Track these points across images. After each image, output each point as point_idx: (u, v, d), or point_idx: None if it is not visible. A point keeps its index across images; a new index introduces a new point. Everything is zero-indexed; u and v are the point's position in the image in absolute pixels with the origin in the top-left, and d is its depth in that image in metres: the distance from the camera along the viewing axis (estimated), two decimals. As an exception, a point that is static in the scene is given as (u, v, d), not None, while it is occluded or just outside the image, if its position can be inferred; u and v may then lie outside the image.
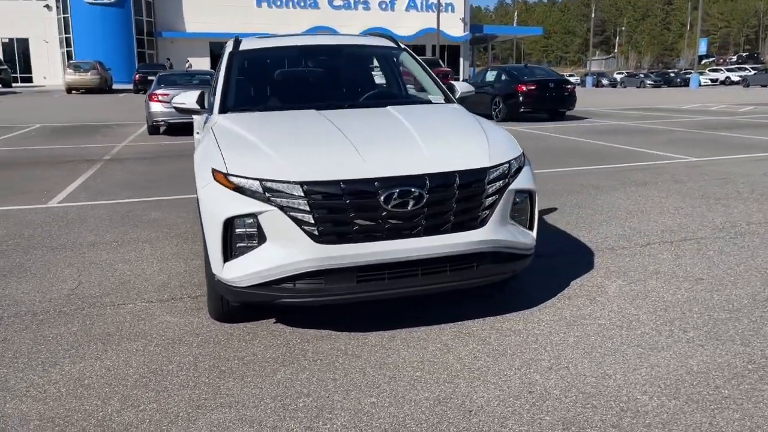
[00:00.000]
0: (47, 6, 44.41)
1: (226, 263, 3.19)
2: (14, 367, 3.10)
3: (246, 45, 4.93)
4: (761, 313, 3.63)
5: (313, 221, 3.08)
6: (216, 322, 3.63)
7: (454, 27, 50.79)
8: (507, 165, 3.46)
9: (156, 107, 14.16)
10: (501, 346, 3.29)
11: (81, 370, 3.07)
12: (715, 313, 3.64)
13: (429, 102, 4.67)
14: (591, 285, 4.15)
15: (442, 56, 45.53)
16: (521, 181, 3.51)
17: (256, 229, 3.13)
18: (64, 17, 43.46)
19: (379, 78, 5.27)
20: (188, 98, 4.49)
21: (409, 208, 3.14)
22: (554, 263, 4.58)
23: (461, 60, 52.22)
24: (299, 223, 3.08)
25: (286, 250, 3.11)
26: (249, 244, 3.16)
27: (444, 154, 3.36)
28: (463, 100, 4.74)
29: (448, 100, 4.61)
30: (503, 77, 17.84)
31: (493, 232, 3.36)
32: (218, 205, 3.17)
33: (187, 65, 40.52)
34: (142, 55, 44.61)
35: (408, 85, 5.49)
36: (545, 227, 5.56)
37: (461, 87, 4.78)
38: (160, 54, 45.99)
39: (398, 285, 3.25)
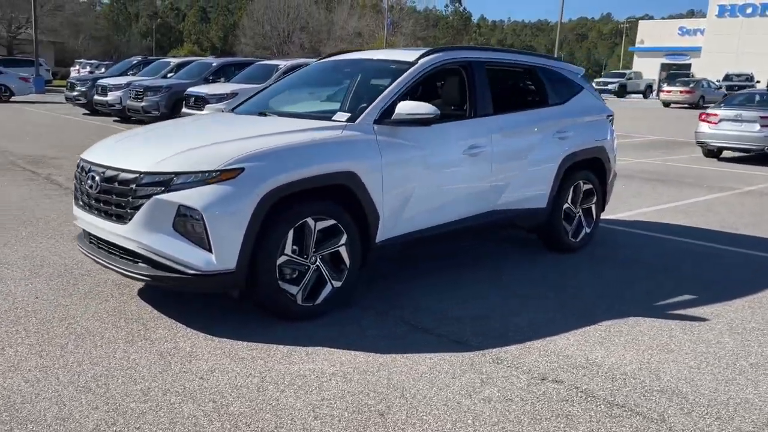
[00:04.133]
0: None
1: None
2: None
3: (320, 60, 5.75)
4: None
5: (74, 186, 4.32)
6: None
7: None
8: (170, 176, 3.60)
9: (703, 128, 13.35)
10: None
11: None
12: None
13: (323, 118, 4.46)
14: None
15: None
16: (186, 197, 3.54)
17: None
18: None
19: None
20: None
21: (92, 190, 3.91)
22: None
23: None
24: (75, 187, 4.33)
25: None
26: None
27: (147, 155, 3.84)
28: (409, 122, 4.26)
29: (350, 120, 4.26)
30: None
31: (136, 233, 3.65)
32: None
33: None
34: None
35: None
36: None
37: (402, 108, 4.23)
38: None
39: (105, 257, 3.94)
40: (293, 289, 3.87)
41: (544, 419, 2.90)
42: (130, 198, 3.70)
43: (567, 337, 3.84)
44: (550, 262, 5.44)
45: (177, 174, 3.62)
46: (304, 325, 3.86)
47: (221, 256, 3.57)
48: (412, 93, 5.33)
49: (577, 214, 5.80)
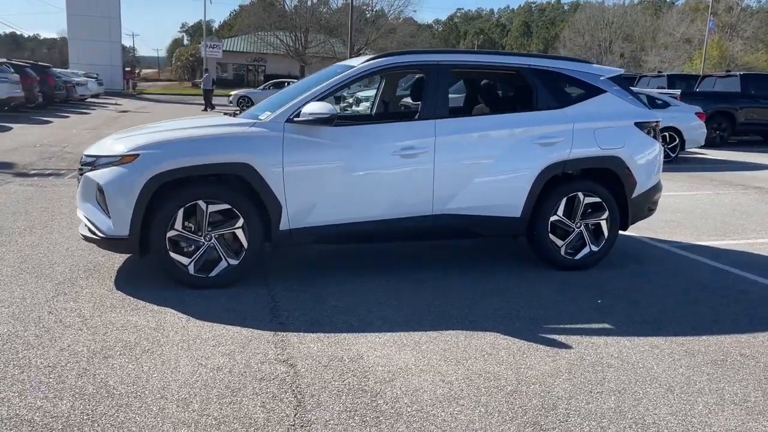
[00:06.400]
0: None
1: None
2: None
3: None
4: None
5: None
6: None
7: None
8: (95, 158, 4.64)
9: None
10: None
11: None
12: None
13: (253, 116, 5.01)
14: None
15: None
16: (99, 175, 4.52)
17: None
18: None
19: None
20: None
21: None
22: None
23: None
24: None
25: None
26: None
27: (102, 144, 4.93)
28: (313, 121, 4.66)
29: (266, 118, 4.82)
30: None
31: (79, 202, 4.76)
32: None
33: None
34: None
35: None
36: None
37: (306, 109, 4.67)
38: None
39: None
40: (185, 261, 4.61)
41: (210, 387, 3.18)
42: (79, 175, 4.87)
43: (385, 336, 3.87)
44: (514, 278, 5.14)
45: (99, 157, 4.68)
46: (196, 292, 4.55)
47: (117, 224, 4.50)
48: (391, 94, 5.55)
49: (576, 229, 5.30)
